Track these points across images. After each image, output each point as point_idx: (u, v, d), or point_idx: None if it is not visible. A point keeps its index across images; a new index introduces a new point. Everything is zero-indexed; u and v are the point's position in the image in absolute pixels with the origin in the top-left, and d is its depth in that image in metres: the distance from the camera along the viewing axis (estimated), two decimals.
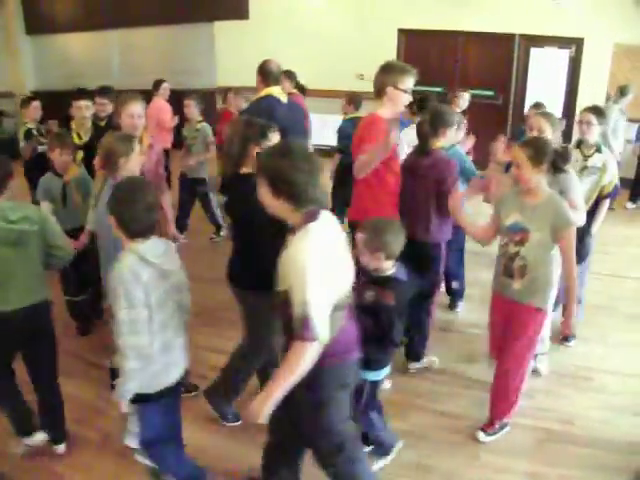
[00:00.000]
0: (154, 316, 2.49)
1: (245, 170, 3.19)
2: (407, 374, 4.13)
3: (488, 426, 3.54)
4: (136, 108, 4.10)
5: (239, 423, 3.59)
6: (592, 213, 4.42)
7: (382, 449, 3.33)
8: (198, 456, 3.08)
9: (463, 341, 4.63)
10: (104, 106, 5.63)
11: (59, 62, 12.41)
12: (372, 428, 3.24)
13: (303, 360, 2.23)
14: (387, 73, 3.69)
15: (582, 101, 8.72)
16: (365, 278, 2.97)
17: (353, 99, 6.53)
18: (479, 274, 5.32)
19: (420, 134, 4.01)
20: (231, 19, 10.84)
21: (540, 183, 3.22)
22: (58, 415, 3.28)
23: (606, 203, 4.51)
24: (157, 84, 7.66)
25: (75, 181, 4.42)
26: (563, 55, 9.35)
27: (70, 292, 4.64)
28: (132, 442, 2.77)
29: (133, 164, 3.45)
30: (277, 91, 4.69)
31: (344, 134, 6.34)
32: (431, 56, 9.86)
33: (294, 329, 2.21)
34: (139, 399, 2.56)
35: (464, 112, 6.50)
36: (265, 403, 2.27)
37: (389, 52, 9.97)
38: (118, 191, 2.59)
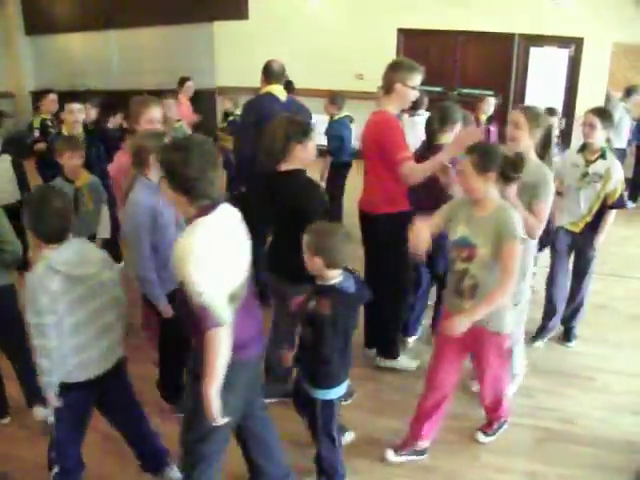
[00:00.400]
0: (64, 321, 2.53)
1: (286, 167, 3.29)
2: (406, 375, 4.13)
3: (486, 427, 3.54)
4: (157, 113, 3.87)
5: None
6: (595, 225, 4.24)
7: (330, 477, 3.06)
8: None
9: None
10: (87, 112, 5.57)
11: (59, 62, 12.39)
12: (328, 453, 2.99)
13: (218, 348, 2.28)
14: (396, 70, 3.73)
15: (581, 100, 8.76)
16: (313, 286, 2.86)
17: (336, 99, 6.50)
18: None
19: (428, 130, 4.18)
20: (230, 19, 10.83)
21: (489, 193, 2.90)
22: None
23: (611, 214, 4.23)
24: (182, 81, 7.61)
25: (87, 187, 4.33)
26: (562, 55, 9.36)
27: None
28: None
29: None
30: (277, 89, 4.70)
31: (335, 135, 6.32)
32: (430, 56, 9.83)
33: (195, 321, 2.28)
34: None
35: (490, 118, 6.53)
36: (207, 403, 2.33)
37: (388, 52, 9.97)
38: (28, 199, 2.69)
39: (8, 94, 11.69)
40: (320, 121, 6.82)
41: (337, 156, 6.36)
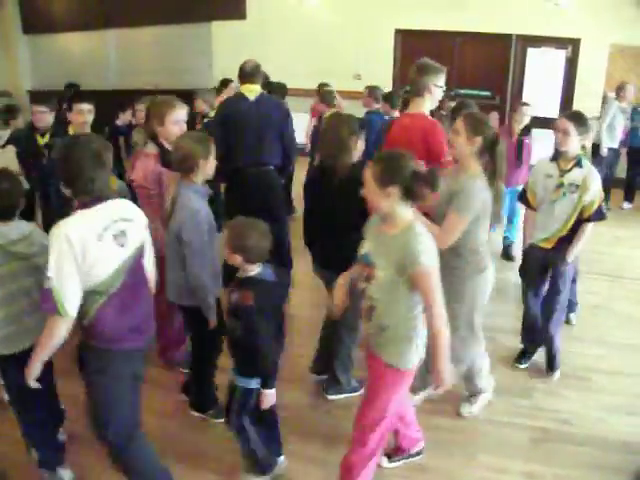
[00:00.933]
0: None
1: (349, 158, 3.45)
2: None
3: (394, 450, 3.33)
4: (183, 114, 3.76)
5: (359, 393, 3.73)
6: (569, 239, 3.87)
7: (258, 466, 3.13)
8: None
9: None
10: (43, 115, 5.03)
11: (56, 62, 12.37)
12: (242, 437, 3.04)
13: (53, 334, 2.45)
14: (427, 73, 3.94)
15: (578, 101, 8.77)
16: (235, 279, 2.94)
17: (326, 97, 6.54)
18: None
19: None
20: (229, 19, 10.82)
21: (397, 211, 2.56)
22: None
23: (588, 227, 3.84)
24: (225, 82, 7.47)
25: (117, 192, 3.93)
26: (560, 55, 9.37)
27: None
28: None
29: (210, 166, 3.31)
30: (246, 89, 4.81)
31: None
32: (428, 56, 9.77)
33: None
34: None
35: (526, 129, 5.96)
36: (27, 372, 2.55)
37: (386, 52, 10.02)
38: None
39: (6, 93, 11.66)
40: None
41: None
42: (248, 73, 4.82)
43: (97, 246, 2.43)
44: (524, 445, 3.53)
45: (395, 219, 2.57)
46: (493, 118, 6.32)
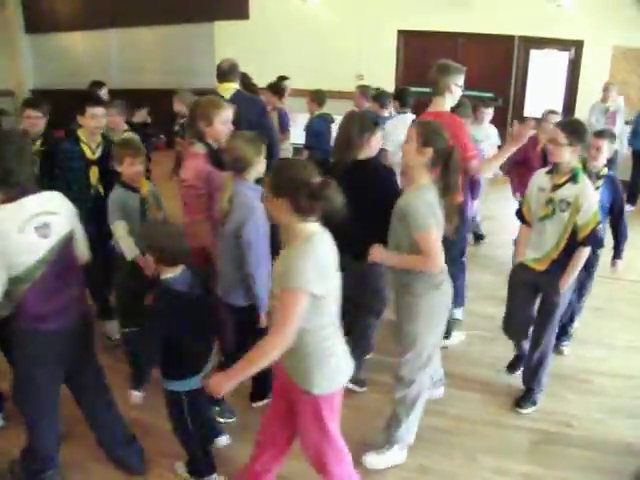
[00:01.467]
0: None
1: (363, 156, 3.61)
2: None
3: None
4: (230, 114, 3.74)
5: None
6: (562, 263, 3.54)
7: (198, 472, 3.14)
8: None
9: (462, 342, 4.63)
10: (38, 120, 4.56)
11: (59, 61, 12.38)
12: (188, 443, 3.09)
13: None
14: (449, 73, 4.05)
15: (581, 104, 8.76)
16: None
17: (317, 97, 6.59)
18: (474, 275, 5.35)
19: None
20: (231, 19, 10.83)
21: (292, 224, 2.36)
22: None
23: (583, 253, 3.46)
24: (280, 81, 7.35)
25: (153, 195, 3.96)
26: (563, 57, 9.36)
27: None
28: None
29: (262, 166, 3.38)
30: (222, 88, 4.86)
31: (313, 132, 6.41)
32: (431, 57, 9.70)
33: None
34: None
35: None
36: None
37: (389, 53, 10.01)
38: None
39: (8, 92, 11.68)
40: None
41: (313, 152, 6.38)
42: (225, 72, 4.88)
43: (18, 238, 2.54)
44: (525, 447, 3.52)
45: (290, 233, 2.39)
46: (487, 113, 6.30)
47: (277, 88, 6.89)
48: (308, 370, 2.45)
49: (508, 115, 9.73)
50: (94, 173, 4.26)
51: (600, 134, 4.15)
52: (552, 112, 5.60)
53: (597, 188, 3.92)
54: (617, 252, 4.23)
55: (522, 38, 9.38)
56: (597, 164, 4.06)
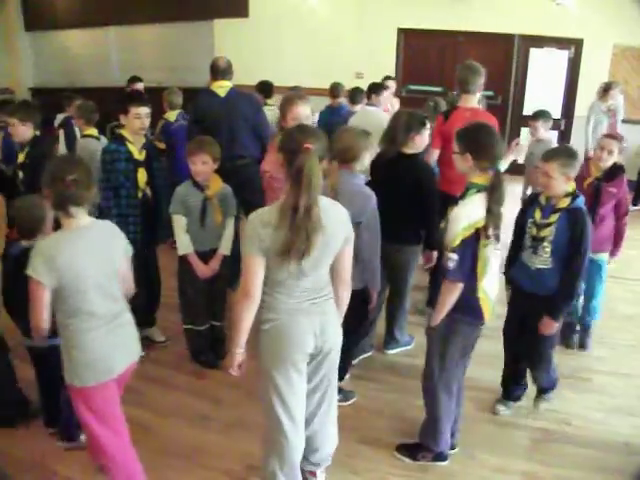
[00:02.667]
0: None
1: (408, 151, 3.94)
2: (405, 375, 4.14)
3: None
4: (304, 110, 3.75)
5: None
6: None
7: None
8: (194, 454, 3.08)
9: None
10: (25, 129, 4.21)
11: (58, 59, 12.38)
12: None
13: None
14: (481, 74, 4.51)
15: (581, 102, 8.75)
16: None
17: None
18: None
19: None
20: (231, 17, 10.82)
21: (63, 220, 2.59)
22: None
23: (445, 286, 2.93)
24: (387, 79, 7.17)
25: (218, 197, 3.97)
26: (562, 56, 9.36)
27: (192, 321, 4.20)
28: None
29: (367, 160, 3.54)
30: (217, 85, 4.95)
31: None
32: (430, 56, 9.87)
33: None
34: None
35: (613, 172, 4.46)
36: None
37: (388, 51, 10.01)
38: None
39: (8, 90, 11.68)
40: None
41: None
42: (221, 70, 4.94)
43: None
44: (524, 445, 3.52)
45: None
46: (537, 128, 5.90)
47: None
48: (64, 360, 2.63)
49: (507, 114, 9.74)
50: (142, 175, 4.06)
51: (609, 136, 4.29)
52: (612, 137, 4.38)
53: (549, 225, 3.30)
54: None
55: (522, 37, 9.38)
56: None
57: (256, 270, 2.48)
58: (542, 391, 3.82)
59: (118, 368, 2.66)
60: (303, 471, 3.03)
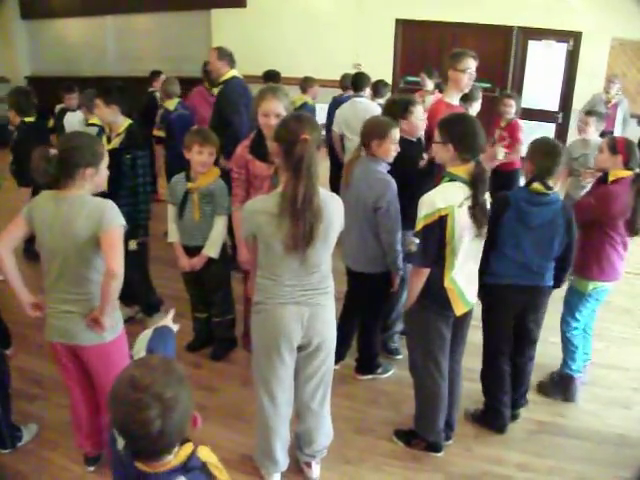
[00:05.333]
0: None
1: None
2: (401, 366, 4.13)
3: None
4: (277, 107, 3.46)
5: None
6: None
7: None
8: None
9: None
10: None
11: (54, 48, 12.33)
12: None
13: None
14: (448, 58, 4.32)
15: (579, 95, 8.73)
16: None
17: (302, 84, 6.95)
18: None
19: None
20: (228, 7, 10.77)
21: None
22: None
23: (412, 271, 3.15)
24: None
25: (202, 191, 3.83)
26: (561, 48, 9.33)
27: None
28: None
29: (392, 147, 3.59)
30: (229, 73, 5.11)
31: None
32: (428, 47, 9.82)
33: None
34: None
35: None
36: None
37: (386, 42, 9.97)
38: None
39: (4, 79, 11.62)
40: (318, 110, 6.89)
41: None
42: (233, 59, 5.17)
43: None
44: (519, 437, 3.53)
45: None
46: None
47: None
48: None
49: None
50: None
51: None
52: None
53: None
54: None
55: (521, 29, 9.34)
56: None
57: (252, 250, 2.73)
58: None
59: (51, 338, 2.83)
60: (298, 462, 3.13)
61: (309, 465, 3.14)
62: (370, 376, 4.03)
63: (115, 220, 2.64)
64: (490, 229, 3.00)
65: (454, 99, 4.29)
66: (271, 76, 7.05)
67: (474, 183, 2.81)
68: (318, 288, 2.70)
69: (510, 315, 3.38)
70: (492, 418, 3.53)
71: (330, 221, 2.57)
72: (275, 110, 3.34)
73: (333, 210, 2.61)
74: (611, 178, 3.62)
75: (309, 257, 2.57)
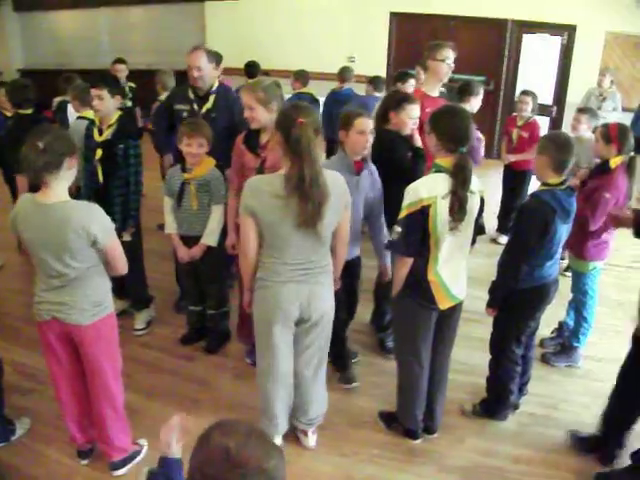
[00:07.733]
0: None
1: (388, 127, 3.88)
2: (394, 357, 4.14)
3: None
4: (248, 100, 3.50)
5: None
6: None
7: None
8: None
9: None
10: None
11: (48, 40, 12.25)
12: None
13: None
14: (427, 49, 4.23)
15: (573, 89, 8.74)
16: None
17: (300, 76, 6.95)
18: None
19: None
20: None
21: None
22: None
23: (397, 261, 3.19)
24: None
25: (199, 181, 3.86)
26: (555, 42, 9.33)
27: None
28: None
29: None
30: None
31: None
32: (423, 40, 9.74)
33: None
34: None
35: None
36: None
37: (381, 35, 9.95)
38: None
39: None
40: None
41: None
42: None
43: None
44: (512, 429, 3.54)
45: None
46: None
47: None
48: None
49: (499, 99, 9.72)
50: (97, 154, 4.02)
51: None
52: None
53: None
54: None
55: (515, 22, 9.32)
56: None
57: (247, 231, 2.77)
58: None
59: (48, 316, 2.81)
60: (296, 429, 3.34)
61: (305, 433, 3.30)
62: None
63: (107, 228, 2.72)
64: (535, 240, 3.12)
65: (434, 89, 4.30)
66: (251, 67, 7.18)
67: (454, 173, 2.81)
68: (321, 265, 2.88)
69: (544, 308, 3.46)
70: (500, 408, 3.56)
71: (337, 196, 2.76)
72: (247, 103, 3.45)
73: (337, 187, 2.79)
74: (613, 165, 3.85)
75: (319, 232, 2.74)
